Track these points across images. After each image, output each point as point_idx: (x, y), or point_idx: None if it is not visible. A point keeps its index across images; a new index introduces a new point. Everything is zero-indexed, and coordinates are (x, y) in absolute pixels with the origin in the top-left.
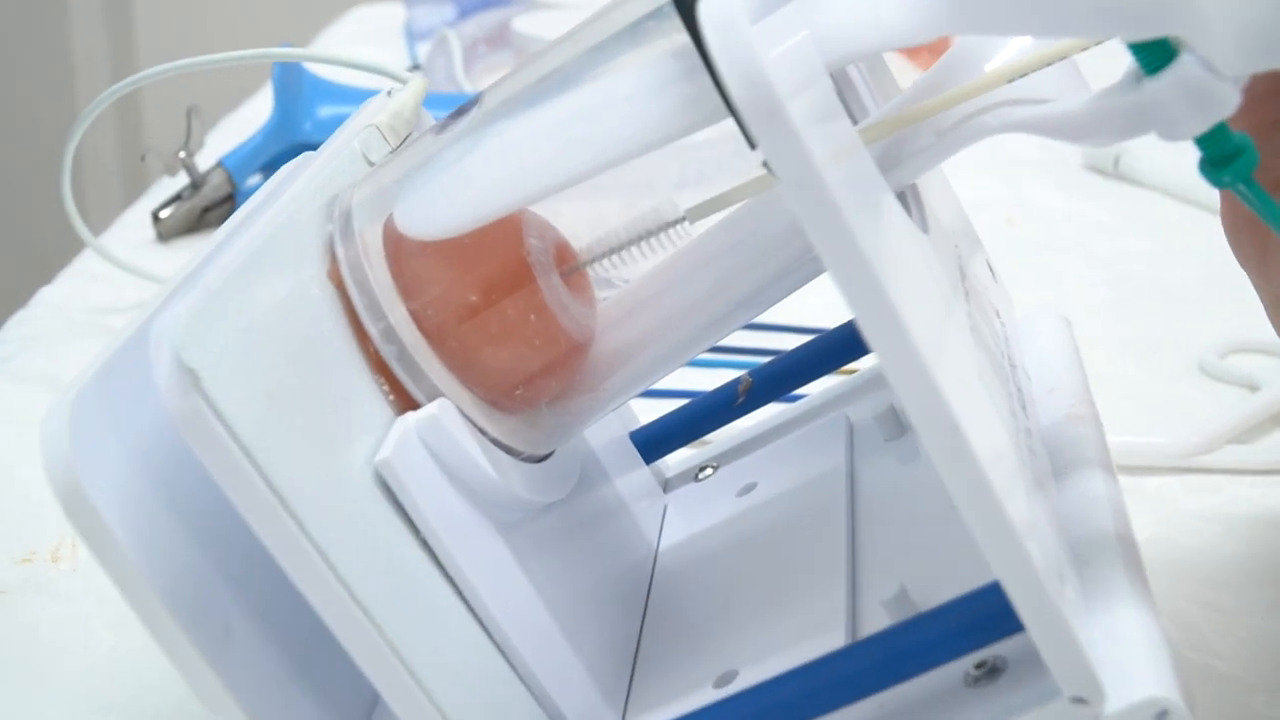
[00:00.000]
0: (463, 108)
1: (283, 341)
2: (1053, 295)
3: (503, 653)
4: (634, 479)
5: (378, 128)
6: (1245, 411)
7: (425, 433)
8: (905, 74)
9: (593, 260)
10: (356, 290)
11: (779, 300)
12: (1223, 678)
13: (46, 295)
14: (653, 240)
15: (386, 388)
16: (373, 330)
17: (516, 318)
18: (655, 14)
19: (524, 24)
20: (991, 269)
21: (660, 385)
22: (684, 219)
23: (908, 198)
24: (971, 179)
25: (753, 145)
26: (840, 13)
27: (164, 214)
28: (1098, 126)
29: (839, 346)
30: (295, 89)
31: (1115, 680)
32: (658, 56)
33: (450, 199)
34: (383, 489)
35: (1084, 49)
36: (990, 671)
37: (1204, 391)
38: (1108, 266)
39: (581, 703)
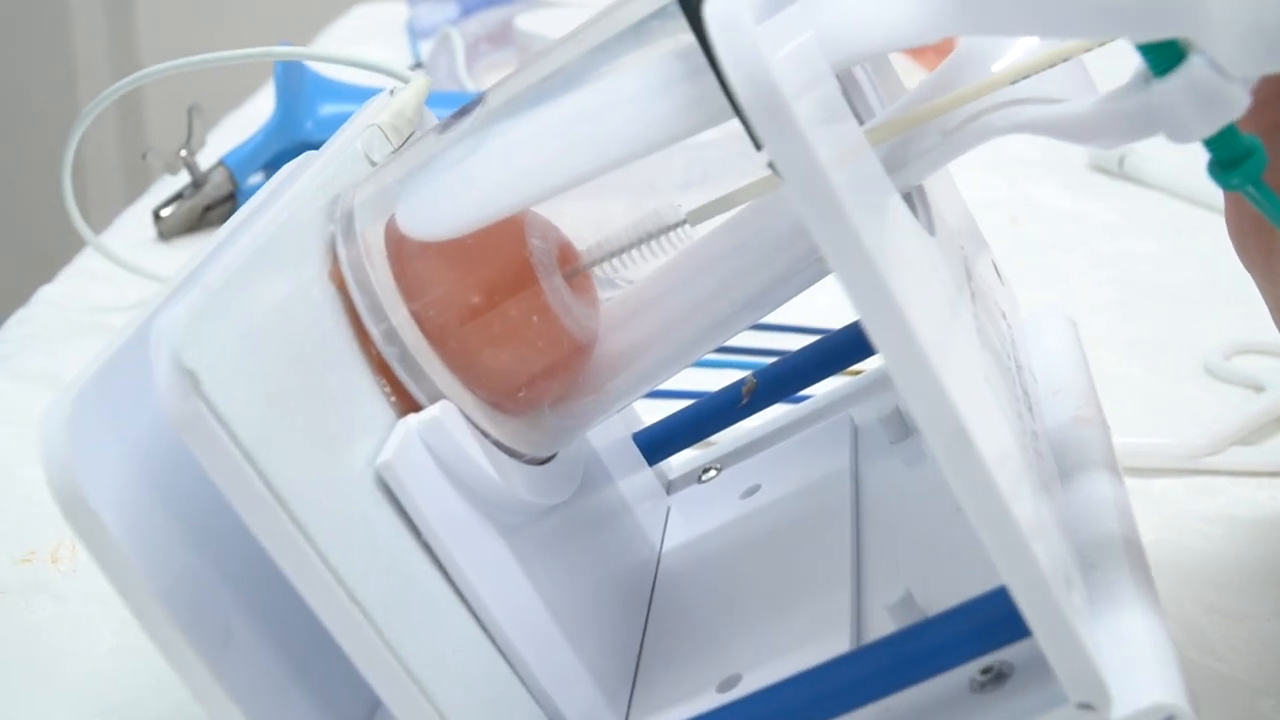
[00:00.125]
0: (466, 107)
1: (283, 343)
2: (1057, 295)
3: (504, 656)
4: (637, 481)
5: (380, 127)
6: (1250, 413)
7: (427, 435)
8: (911, 75)
9: (594, 263)
10: (358, 291)
11: (784, 302)
12: (1228, 681)
13: (47, 293)
14: (654, 243)
15: (388, 389)
16: (374, 331)
17: (519, 319)
18: (659, 14)
19: (527, 22)
20: (997, 270)
21: (664, 385)
22: (685, 222)
23: (914, 199)
24: (976, 179)
25: (758, 146)
26: (846, 13)
27: (165, 212)
28: (1106, 128)
29: (844, 347)
30: (297, 87)
31: (1122, 686)
32: (662, 56)
33: (453, 199)
34: (384, 491)
35: (1091, 49)
36: (996, 677)
37: (1209, 393)
38: (1112, 267)
39: (584, 706)
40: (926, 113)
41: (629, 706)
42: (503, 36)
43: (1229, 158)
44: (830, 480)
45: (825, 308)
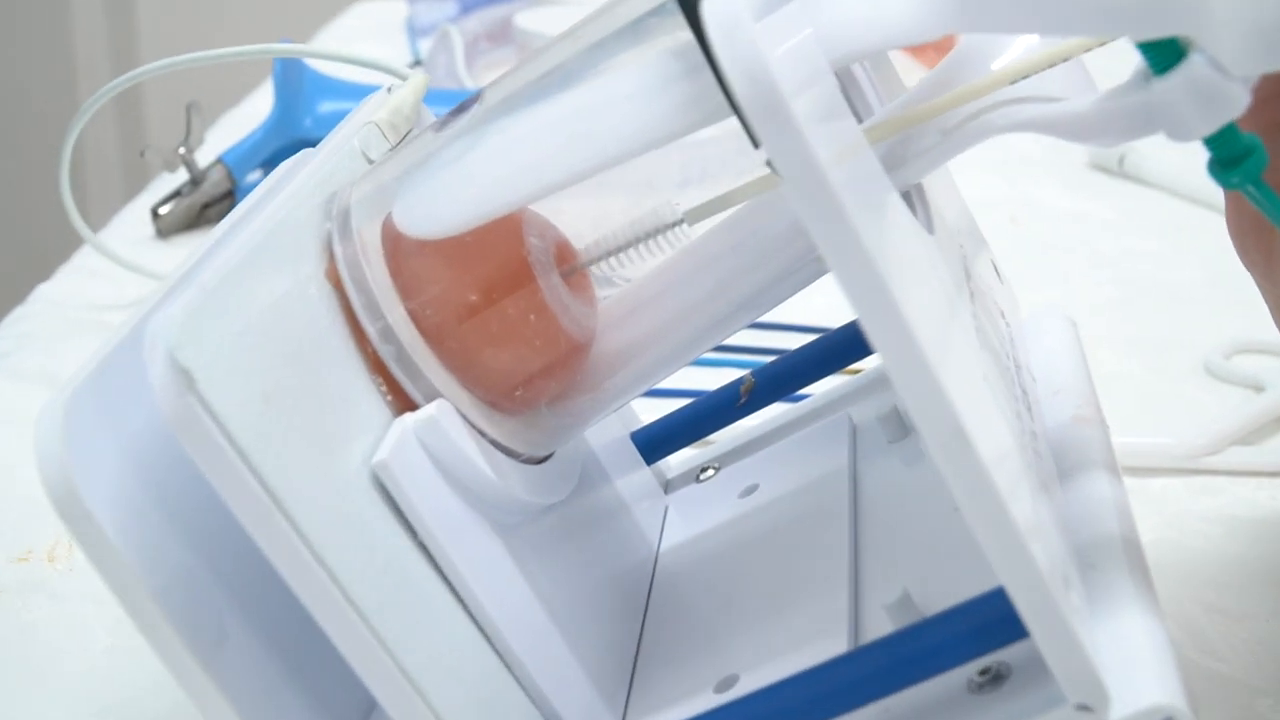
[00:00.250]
0: (463, 105)
1: (279, 341)
2: (1057, 294)
3: (500, 656)
4: (635, 480)
5: (377, 125)
6: (1250, 413)
7: (423, 434)
8: (911, 72)
9: (591, 262)
10: (354, 289)
11: (782, 301)
12: (1227, 681)
13: (45, 292)
14: (651, 243)
15: (384, 388)
16: (371, 330)
17: (516, 318)
18: (657, 11)
19: (526, 20)
20: (997, 269)
21: (662, 384)
22: (682, 221)
23: (912, 197)
24: (976, 177)
25: (756, 144)
26: (845, 10)
27: (163, 210)
28: (1106, 126)
29: (843, 346)
30: (296, 85)
31: (1120, 687)
32: (660, 54)
33: (450, 197)
34: (380, 491)
35: (1091, 48)
36: (994, 678)
37: (1209, 392)
38: (1112, 266)
39: (580, 706)
40: (926, 112)
41: (626, 706)
42: (502, 34)
43: (1229, 156)
44: (828, 480)
45: (824, 306)
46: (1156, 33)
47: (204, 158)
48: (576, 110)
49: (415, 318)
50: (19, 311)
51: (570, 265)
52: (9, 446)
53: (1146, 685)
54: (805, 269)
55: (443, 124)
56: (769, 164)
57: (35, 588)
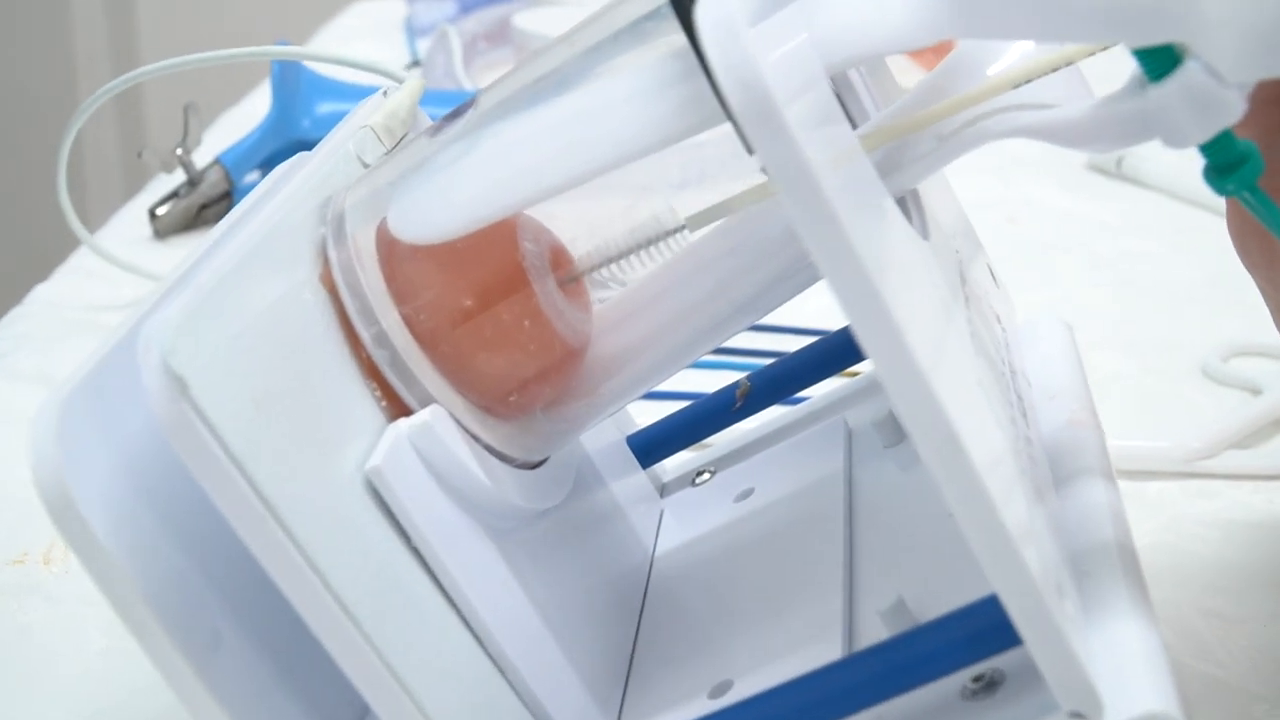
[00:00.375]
0: (458, 109)
1: (273, 347)
2: (1054, 296)
3: (495, 662)
4: (630, 484)
5: (372, 129)
6: (1247, 416)
7: (417, 439)
8: (909, 74)
9: (592, 269)
10: (349, 294)
11: (779, 305)
12: (1223, 686)
13: (42, 292)
14: (652, 249)
15: (378, 393)
16: (365, 335)
17: (511, 323)
18: (653, 15)
19: (524, 20)
20: (993, 273)
21: (658, 387)
22: (684, 227)
23: (908, 202)
24: (973, 179)
25: (750, 150)
26: (840, 16)
27: (161, 211)
28: (1101, 132)
29: (839, 350)
30: (294, 86)
31: (1114, 694)
32: (657, 58)
33: (445, 202)
34: (373, 496)
35: (1088, 55)
36: (988, 685)
37: (1206, 395)
38: (1110, 267)
39: (574, 711)
40: (922, 120)
41: (620, 711)
42: (500, 35)
43: (1224, 163)
44: (824, 484)
45: (821, 309)
46: (1152, 39)
47: (201, 159)
48: (572, 115)
49: (409, 323)
50: (16, 312)
51: (566, 273)
52: (6, 448)
53: (1140, 692)
54: (802, 273)
55: (437, 129)
56: (764, 170)
57: (31, 590)
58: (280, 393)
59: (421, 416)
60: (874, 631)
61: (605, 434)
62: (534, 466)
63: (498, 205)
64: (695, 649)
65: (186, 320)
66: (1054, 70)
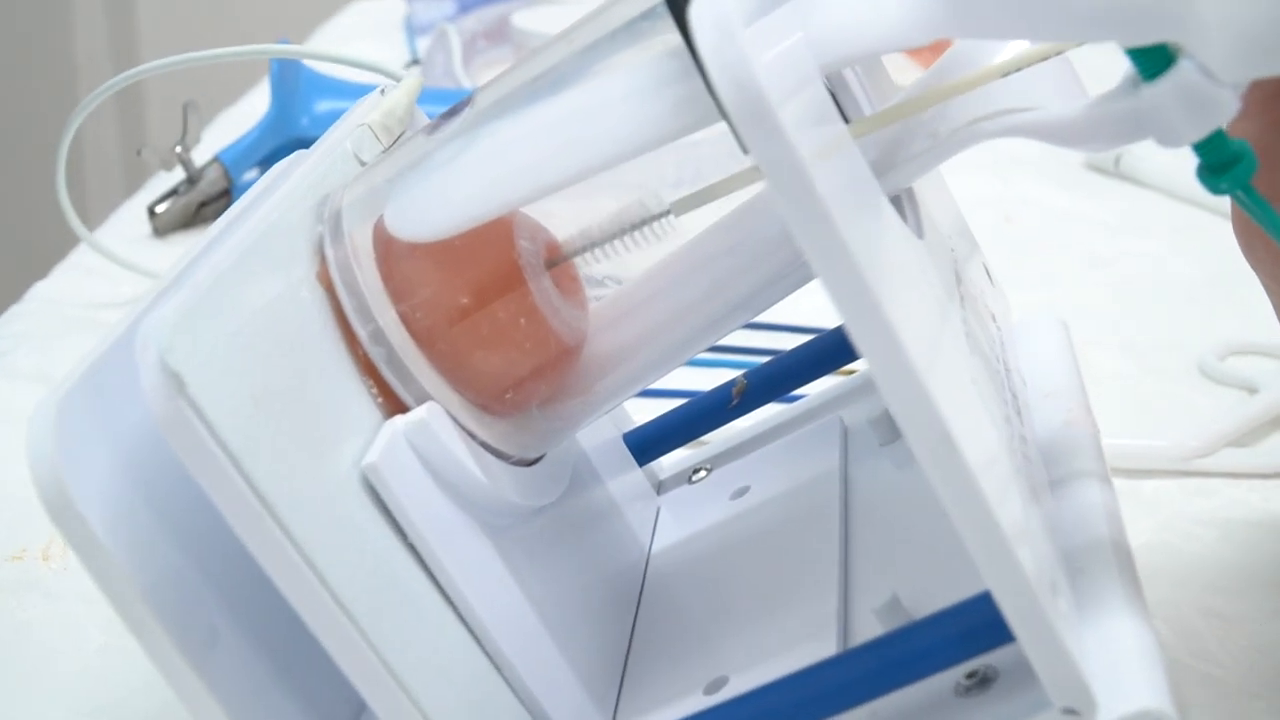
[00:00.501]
0: (455, 107)
1: (270, 344)
2: (1052, 295)
3: (490, 658)
4: (627, 481)
5: (370, 127)
6: (1244, 414)
7: (413, 436)
8: (907, 72)
9: (577, 252)
10: (345, 292)
11: (774, 303)
12: (1221, 684)
13: (41, 290)
14: (637, 234)
15: (375, 390)
16: (361, 332)
17: (507, 321)
18: (649, 14)
19: (524, 19)
20: (988, 272)
21: (655, 385)
22: (669, 212)
23: (903, 201)
24: (971, 177)
25: (745, 149)
26: (836, 15)
27: (160, 209)
28: (1095, 132)
29: (835, 348)
30: (293, 84)
31: (1107, 691)
32: (653, 57)
33: (441, 201)
34: (369, 493)
35: (1076, 45)
36: (981, 681)
37: (1203, 394)
38: (1107, 266)
39: (571, 708)
40: (916, 105)
41: (616, 708)
42: (499, 33)
43: (1218, 162)
44: (819, 482)
45: (816, 308)
46: (1145, 39)
47: (200, 156)
48: (569, 113)
49: (406, 321)
50: (15, 310)
51: (557, 256)
52: (5, 445)
53: (1134, 689)
54: (798, 271)
55: (434, 127)
56: (757, 169)
57: (29, 587)
58: (277, 390)
59: (418, 414)
60: (869, 628)
61: (602, 431)
62: (530, 463)
63: (494, 203)
64: (691, 645)
65: (184, 318)
66: (1043, 60)
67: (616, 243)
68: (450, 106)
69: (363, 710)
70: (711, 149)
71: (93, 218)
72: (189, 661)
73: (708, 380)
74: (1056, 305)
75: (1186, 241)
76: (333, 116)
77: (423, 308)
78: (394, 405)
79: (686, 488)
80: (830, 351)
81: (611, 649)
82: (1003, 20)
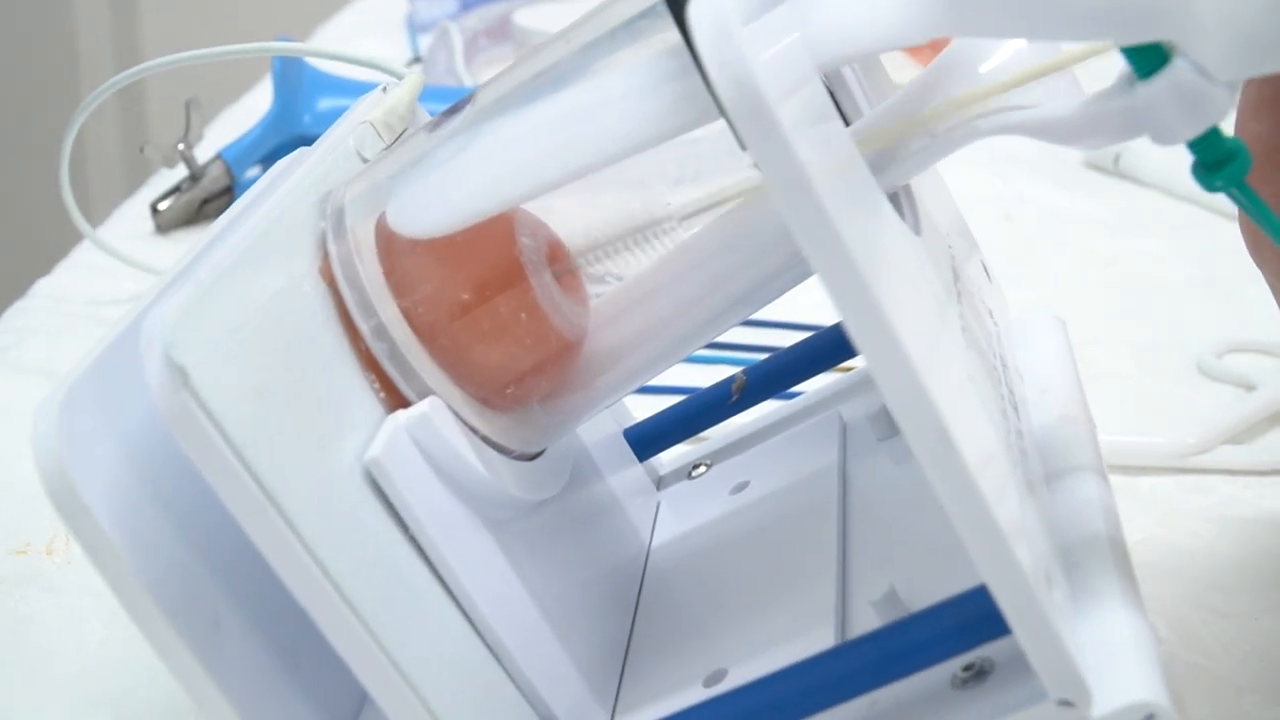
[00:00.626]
0: (456, 105)
1: (273, 339)
2: (1051, 293)
3: (492, 650)
4: (627, 476)
5: (372, 124)
6: (1241, 412)
7: (415, 431)
8: (905, 70)
9: (580, 258)
10: (348, 287)
11: (773, 299)
12: (1216, 679)
13: (44, 286)
14: (639, 238)
15: (377, 385)
16: (364, 327)
17: (508, 316)
18: (648, 13)
19: (525, 17)
20: (986, 269)
21: (655, 381)
22: (672, 218)
23: (900, 198)
24: (970, 175)
25: (743, 146)
26: (834, 14)
27: (163, 206)
28: (1091, 129)
29: (834, 345)
30: (295, 82)
31: (1102, 683)
32: (652, 55)
33: (443, 197)
34: (372, 487)
35: (1082, 59)
36: (978, 673)
37: (1201, 391)
38: (1106, 265)
39: (571, 700)
40: (918, 122)
41: (616, 700)
42: (501, 31)
43: (1213, 160)
44: (818, 477)
45: (815, 305)
46: (1141, 38)
47: (203, 154)
48: (569, 111)
49: (408, 316)
50: (19, 305)
51: (561, 264)
52: (8, 440)
53: (1129, 681)
54: (797, 267)
55: (436, 124)
56: (756, 166)
57: (32, 580)
58: (281, 384)
59: (420, 408)
60: (866, 621)
61: (602, 427)
62: (531, 458)
63: (495, 200)
64: (690, 638)
65: (188, 313)
66: (1049, 74)
67: (621, 248)
68: (452, 104)
69: (365, 702)
70: (711, 146)
71: (92, 214)
72: (194, 653)
73: (707, 377)
74: (1055, 303)
75: (1185, 240)
76: (334, 114)
77: (425, 303)
78: (396, 400)
79: (686, 483)
80: (828, 348)
81: (612, 642)
82: (1000, 19)
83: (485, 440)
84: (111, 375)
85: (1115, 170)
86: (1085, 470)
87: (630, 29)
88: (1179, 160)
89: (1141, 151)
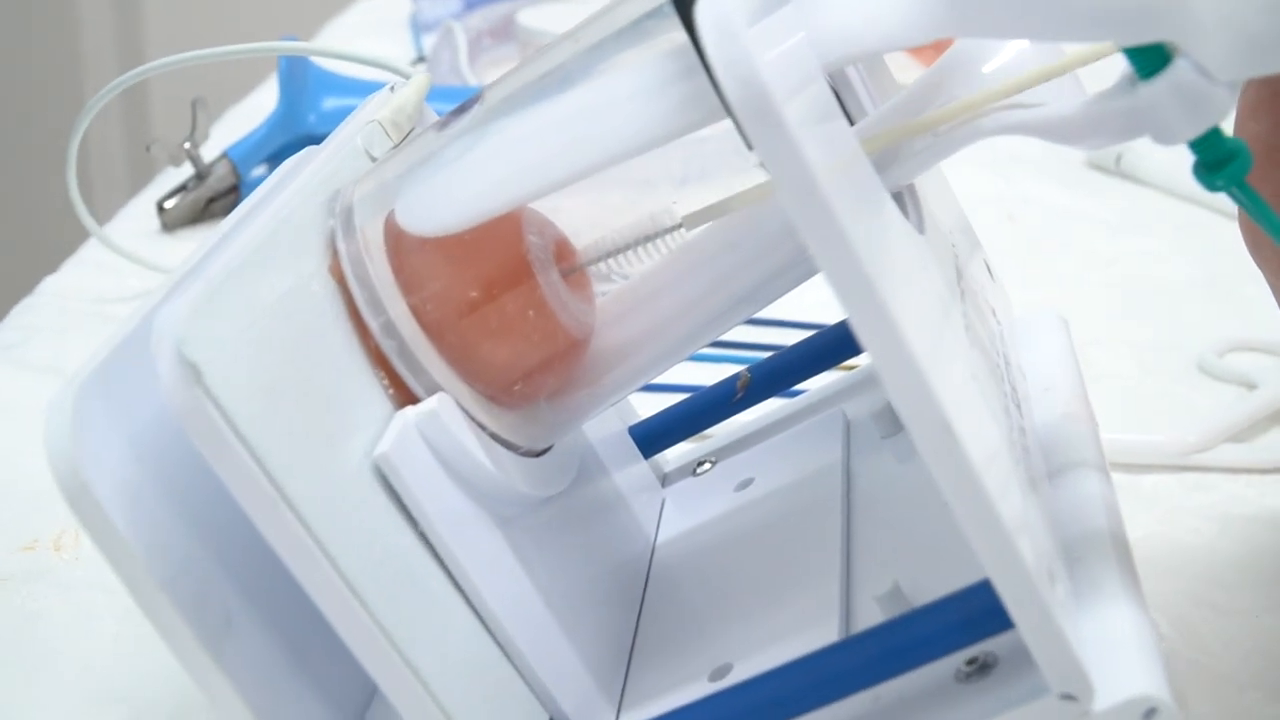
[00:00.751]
0: (464, 105)
1: (284, 336)
2: (1053, 292)
3: (500, 645)
4: (632, 473)
5: (380, 123)
6: (1243, 410)
7: (424, 427)
8: (909, 70)
9: (588, 263)
10: (357, 285)
11: (779, 296)
12: (1217, 675)
13: (51, 284)
14: (649, 245)
15: (386, 382)
16: (373, 324)
17: (516, 314)
18: (655, 13)
19: (529, 17)
20: (989, 268)
21: (660, 379)
22: (680, 226)
23: (904, 197)
24: (973, 175)
25: (750, 146)
26: (839, 14)
27: (169, 204)
28: (1093, 129)
29: (838, 343)
30: (300, 81)
31: (1104, 677)
32: (658, 55)
33: (451, 196)
34: (381, 482)
35: (1086, 63)
36: (981, 668)
37: (1202, 390)
38: (1108, 264)
39: (578, 695)
40: (921, 125)
41: (622, 695)
42: (505, 31)
43: (1214, 159)
44: (822, 474)
45: (819, 303)
46: (1142, 38)
47: (209, 153)
48: (576, 110)
49: (417, 313)
50: (27, 302)
51: (568, 265)
52: (16, 437)
53: (1131, 676)
54: (802, 265)
55: (444, 123)
56: (762, 165)
57: (41, 576)
58: (291, 381)
59: (428, 404)
60: (870, 616)
61: (608, 424)
62: (539, 454)
63: (503, 199)
64: (695, 634)
65: (199, 310)
66: (1054, 77)
67: (629, 254)
68: (460, 104)
69: (375, 695)
70: (717, 146)
71: (99, 213)
72: (205, 648)
73: (712, 375)
74: (1057, 302)
75: (1187, 239)
76: (340, 113)
77: (433, 300)
78: (405, 396)
79: (691, 480)
80: (832, 347)
81: (618, 637)
82: (1003, 20)
83: (493, 436)
84: (121, 373)
85: (1117, 170)
86: (1087, 467)
87: (637, 29)
88: (1180, 160)
89: (1143, 152)
